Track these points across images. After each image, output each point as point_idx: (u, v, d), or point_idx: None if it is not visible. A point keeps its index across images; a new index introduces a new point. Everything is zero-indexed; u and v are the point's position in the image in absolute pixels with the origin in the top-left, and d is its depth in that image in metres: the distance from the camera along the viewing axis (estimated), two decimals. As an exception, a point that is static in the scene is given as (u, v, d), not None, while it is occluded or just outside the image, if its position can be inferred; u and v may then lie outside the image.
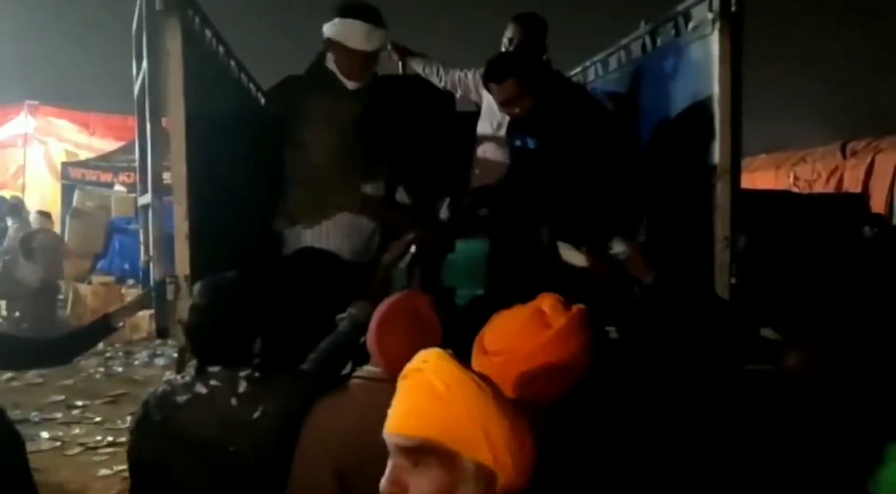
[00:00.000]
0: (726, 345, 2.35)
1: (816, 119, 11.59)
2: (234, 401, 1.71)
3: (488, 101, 3.50)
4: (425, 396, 1.17)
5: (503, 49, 3.51)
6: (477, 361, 1.50)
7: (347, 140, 3.01)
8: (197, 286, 2.00)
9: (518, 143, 3.11)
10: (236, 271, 2.02)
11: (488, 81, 3.01)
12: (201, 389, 1.73)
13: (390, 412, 1.20)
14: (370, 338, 1.78)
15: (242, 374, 1.75)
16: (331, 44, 2.92)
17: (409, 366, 1.22)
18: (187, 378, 1.80)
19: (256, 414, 1.68)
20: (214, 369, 1.77)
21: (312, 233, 3.05)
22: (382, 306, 1.81)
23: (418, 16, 9.37)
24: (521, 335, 1.51)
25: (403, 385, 1.21)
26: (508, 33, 3.52)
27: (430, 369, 1.19)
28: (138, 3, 2.76)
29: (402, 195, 3.32)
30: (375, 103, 3.08)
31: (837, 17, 11.60)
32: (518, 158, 3.17)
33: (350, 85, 2.97)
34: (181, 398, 1.73)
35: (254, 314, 1.88)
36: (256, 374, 1.76)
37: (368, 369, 1.79)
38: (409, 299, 1.82)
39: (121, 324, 2.64)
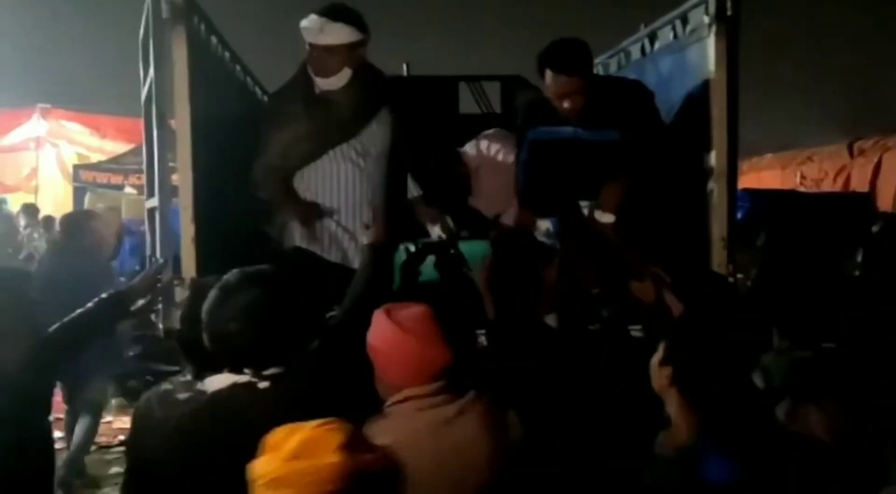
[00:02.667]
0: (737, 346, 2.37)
1: (824, 118, 11.57)
2: (236, 400, 1.74)
3: None
4: None
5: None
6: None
7: (313, 137, 3.01)
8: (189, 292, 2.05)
9: (574, 135, 2.97)
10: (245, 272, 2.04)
11: (553, 69, 2.82)
12: (202, 387, 1.77)
13: None
14: None
15: (244, 374, 1.78)
16: (308, 44, 2.94)
17: None
18: (189, 376, 1.84)
19: (258, 413, 1.71)
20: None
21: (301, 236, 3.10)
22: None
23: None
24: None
25: None
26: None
27: None
28: (145, 9, 2.81)
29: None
30: (354, 104, 3.03)
31: (843, 16, 11.57)
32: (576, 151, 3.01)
33: (322, 83, 2.96)
34: (183, 396, 1.76)
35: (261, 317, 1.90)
36: (258, 374, 1.78)
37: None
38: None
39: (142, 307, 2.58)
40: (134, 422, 1.88)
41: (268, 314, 1.74)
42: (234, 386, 1.74)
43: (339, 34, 2.88)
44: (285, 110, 3.01)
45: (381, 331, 1.76)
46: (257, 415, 1.65)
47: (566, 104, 2.87)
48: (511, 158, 3.63)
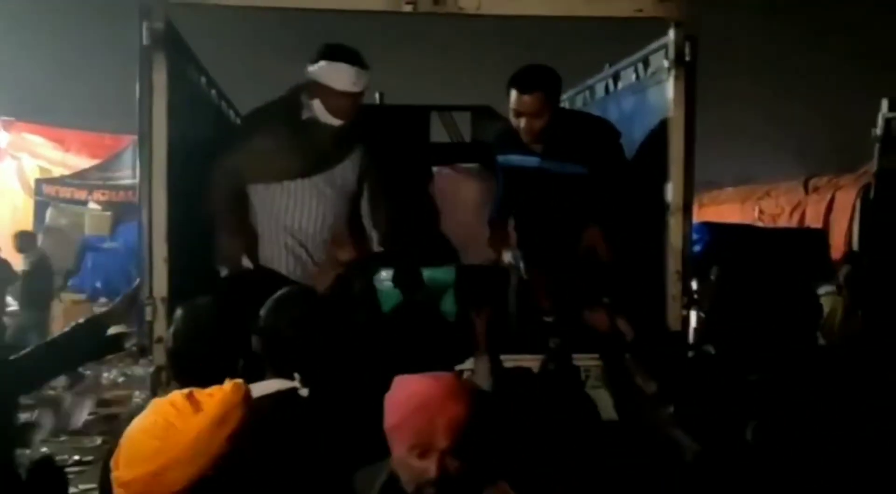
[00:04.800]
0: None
1: (783, 155, 11.96)
2: (280, 406, 1.83)
3: None
4: None
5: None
6: None
7: (319, 169, 3.13)
8: (179, 311, 2.12)
9: (532, 161, 3.12)
10: (213, 297, 2.15)
11: (515, 87, 2.97)
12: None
13: None
14: None
15: (291, 380, 1.91)
16: (316, 85, 3.03)
17: None
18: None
19: (300, 418, 1.80)
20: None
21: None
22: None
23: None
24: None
25: None
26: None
27: None
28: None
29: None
30: (353, 134, 3.19)
31: (804, 59, 12.03)
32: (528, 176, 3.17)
33: (334, 122, 3.08)
34: None
35: (236, 335, 2.01)
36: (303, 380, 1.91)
37: None
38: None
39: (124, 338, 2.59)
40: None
41: (317, 324, 2.01)
42: (279, 393, 1.83)
43: (367, 81, 3.04)
44: (269, 128, 3.08)
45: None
46: (299, 420, 1.78)
47: (522, 123, 3.02)
48: (467, 194, 3.76)
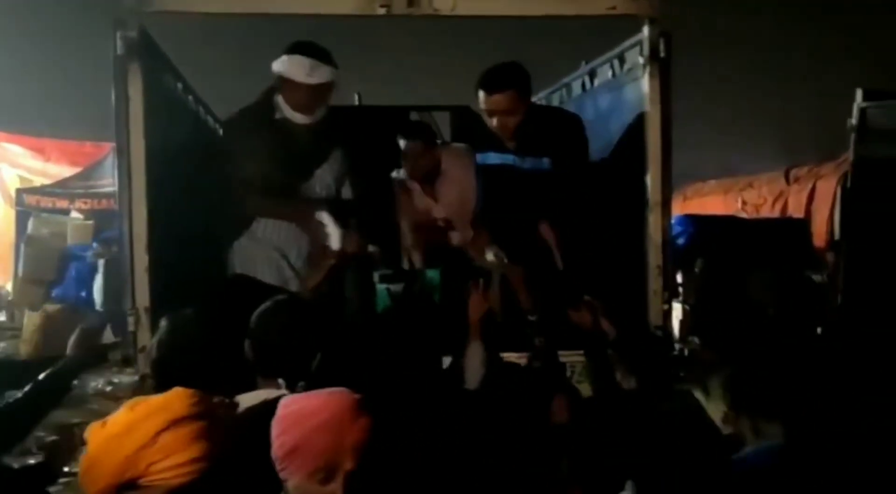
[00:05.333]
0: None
1: (764, 146, 12.04)
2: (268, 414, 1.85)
3: None
4: None
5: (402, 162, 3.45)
6: None
7: (299, 173, 3.13)
8: (164, 322, 2.15)
9: (507, 159, 3.16)
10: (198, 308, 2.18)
11: (487, 89, 3.01)
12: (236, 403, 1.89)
13: None
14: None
15: (277, 389, 1.96)
16: (281, 80, 3.05)
17: None
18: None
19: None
20: None
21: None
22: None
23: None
24: None
25: None
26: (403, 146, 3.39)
27: None
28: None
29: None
30: (329, 135, 3.20)
31: (782, 49, 12.12)
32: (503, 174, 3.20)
33: (299, 118, 3.08)
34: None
35: (220, 345, 2.05)
36: (290, 387, 1.94)
37: None
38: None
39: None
40: None
41: (306, 331, 2.11)
42: (265, 402, 1.85)
43: (326, 75, 3.03)
44: (249, 134, 3.08)
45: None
46: None
47: (495, 122, 3.05)
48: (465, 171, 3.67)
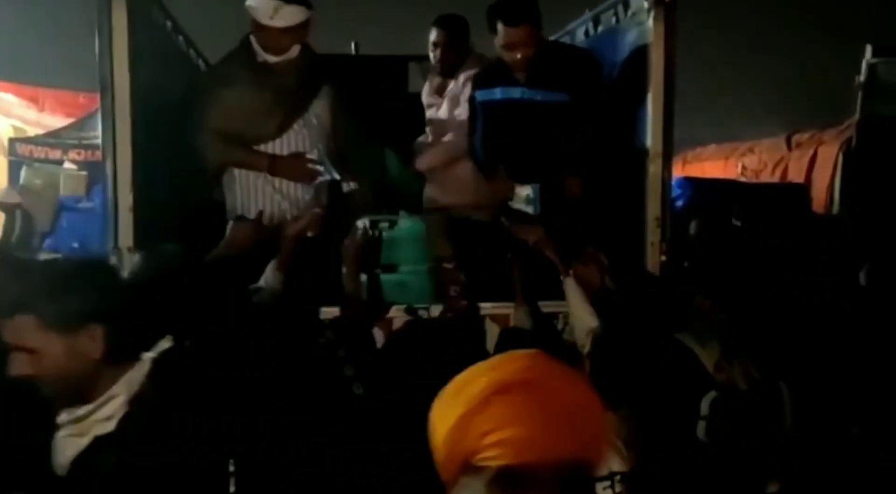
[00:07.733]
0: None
1: (766, 111, 11.92)
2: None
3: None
4: None
5: (430, 53, 3.60)
6: None
7: (269, 111, 3.07)
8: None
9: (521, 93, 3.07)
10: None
11: (507, 22, 2.93)
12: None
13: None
14: None
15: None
16: (252, 22, 2.99)
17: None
18: None
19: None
20: None
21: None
22: None
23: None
24: None
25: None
26: (433, 37, 3.55)
27: None
28: None
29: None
30: (303, 77, 3.12)
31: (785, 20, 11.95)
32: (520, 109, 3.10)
33: (271, 59, 3.02)
34: None
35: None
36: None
37: None
38: None
39: None
40: None
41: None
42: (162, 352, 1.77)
43: (293, 16, 2.95)
44: (230, 79, 3.04)
45: None
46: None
47: (518, 55, 2.98)
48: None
